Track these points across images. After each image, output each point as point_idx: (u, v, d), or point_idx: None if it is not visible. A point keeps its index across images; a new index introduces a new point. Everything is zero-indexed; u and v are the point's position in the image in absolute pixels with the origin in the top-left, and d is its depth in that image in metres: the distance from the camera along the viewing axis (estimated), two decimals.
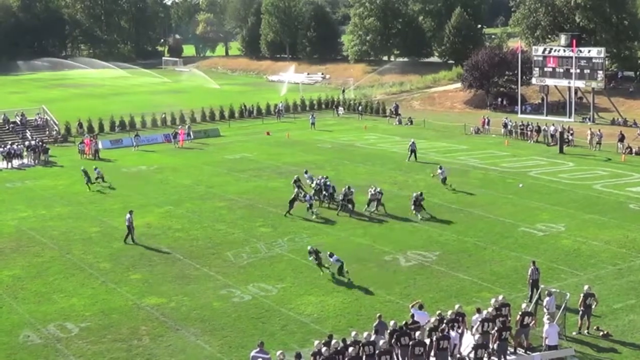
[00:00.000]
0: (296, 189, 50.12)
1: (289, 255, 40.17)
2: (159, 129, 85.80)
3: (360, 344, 25.17)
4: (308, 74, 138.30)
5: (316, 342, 25.42)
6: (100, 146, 74.25)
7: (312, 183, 51.69)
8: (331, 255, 36.41)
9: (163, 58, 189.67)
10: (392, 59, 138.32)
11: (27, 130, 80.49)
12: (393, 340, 25.89)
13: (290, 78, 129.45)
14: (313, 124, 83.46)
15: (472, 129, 78.30)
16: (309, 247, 37.67)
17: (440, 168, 54.43)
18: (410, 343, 25.55)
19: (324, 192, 50.11)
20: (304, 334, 30.22)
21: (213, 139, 79.34)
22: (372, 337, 25.87)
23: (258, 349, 25.64)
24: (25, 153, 70.90)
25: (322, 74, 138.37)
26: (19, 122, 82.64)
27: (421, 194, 46.70)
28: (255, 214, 48.30)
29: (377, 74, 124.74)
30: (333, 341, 25.36)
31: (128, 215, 43.63)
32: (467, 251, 39.87)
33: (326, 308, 32.91)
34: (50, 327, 31.88)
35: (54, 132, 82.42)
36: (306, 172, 54.87)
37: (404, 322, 26.89)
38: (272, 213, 48.35)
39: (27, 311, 33.74)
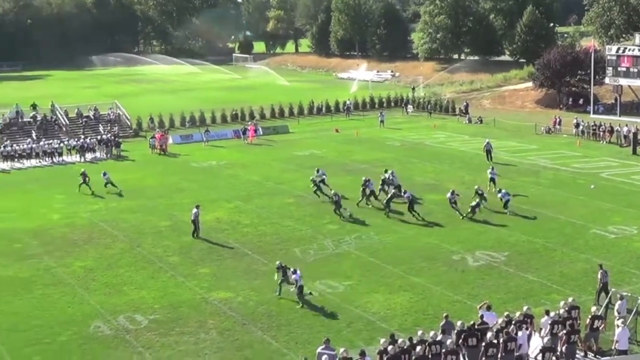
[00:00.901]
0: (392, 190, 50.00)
1: (356, 252, 40.16)
2: (229, 125, 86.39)
3: (427, 343, 25.05)
4: (377, 71, 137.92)
5: (382, 341, 25.36)
6: (170, 141, 75.12)
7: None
8: (294, 272, 34.18)
9: (233, 55, 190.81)
10: (463, 57, 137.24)
11: (99, 125, 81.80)
12: (460, 341, 25.71)
13: (360, 75, 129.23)
14: (382, 121, 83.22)
15: (543, 129, 77.25)
16: (277, 263, 35.30)
17: (492, 169, 53.66)
18: (482, 344, 25.32)
19: (388, 187, 50.36)
20: (370, 332, 30.18)
21: (282, 136, 79.65)
22: (439, 337, 25.72)
23: (324, 346, 25.70)
24: (97, 147, 72.09)
25: (392, 71, 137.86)
26: (92, 117, 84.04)
27: (452, 192, 46.72)
28: (323, 210, 48.34)
29: (447, 73, 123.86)
30: (399, 340, 25.28)
31: (195, 210, 44.09)
32: (536, 252, 39.39)
33: (393, 306, 32.82)
34: (120, 319, 32.39)
35: (128, 128, 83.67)
36: (386, 171, 54.58)
37: (472, 323, 26.68)
38: (363, 209, 48.35)
39: (98, 302, 34.32)
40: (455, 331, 26.17)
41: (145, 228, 45.90)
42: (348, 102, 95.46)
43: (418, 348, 24.80)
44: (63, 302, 34.45)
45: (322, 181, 51.94)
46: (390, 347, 24.56)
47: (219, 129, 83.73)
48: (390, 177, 51.30)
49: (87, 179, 56.08)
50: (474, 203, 45.48)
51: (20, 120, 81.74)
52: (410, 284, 35.45)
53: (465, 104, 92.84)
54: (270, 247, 41.32)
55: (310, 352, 27.15)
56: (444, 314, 27.93)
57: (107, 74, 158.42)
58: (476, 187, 48.43)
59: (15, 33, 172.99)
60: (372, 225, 44.78)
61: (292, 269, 34.43)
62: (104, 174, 56.04)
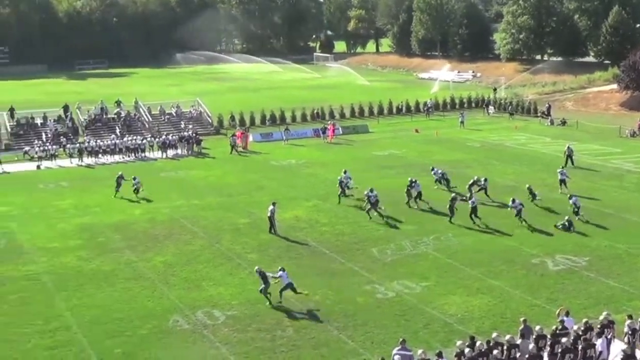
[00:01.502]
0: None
1: (434, 253, 39.96)
2: (309, 124, 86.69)
3: (505, 347, 24.81)
4: (458, 72, 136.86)
5: (459, 343, 25.21)
6: (251, 139, 75.77)
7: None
8: (282, 270, 34.30)
9: (314, 54, 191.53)
10: (545, 58, 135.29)
11: (181, 122, 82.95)
12: (541, 346, 25.37)
13: (442, 76, 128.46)
14: (462, 122, 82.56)
15: (628, 132, 75.67)
16: (256, 268, 34.96)
17: (563, 170, 52.97)
18: (559, 350, 24.97)
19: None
20: (447, 333, 30.03)
21: (361, 135, 79.61)
22: (518, 341, 25.44)
23: (400, 347, 25.66)
24: (179, 144, 73.11)
25: (473, 72, 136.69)
26: (174, 114, 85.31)
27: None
28: (401, 211, 48.19)
29: (530, 74, 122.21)
30: (478, 342, 25.09)
31: (271, 207, 44.53)
32: (618, 258, 38.64)
33: (470, 309, 32.58)
34: (198, 314, 32.82)
35: (209, 126, 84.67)
36: (432, 169, 55.08)
37: (553, 328, 26.31)
38: (418, 211, 48.17)
39: (177, 297, 34.83)
40: (534, 336, 25.85)
41: (225, 225, 46.39)
42: (429, 102, 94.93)
43: (495, 351, 24.59)
44: (143, 296, 35.06)
45: (347, 185, 51.79)
46: (467, 350, 24.42)
47: (299, 127, 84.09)
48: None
49: (122, 181, 54.80)
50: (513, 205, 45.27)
51: (104, 116, 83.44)
52: (488, 286, 35.14)
53: (547, 105, 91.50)
54: (347, 247, 41.39)
55: (386, 353, 27.11)
56: (522, 318, 27.61)
57: (190, 71, 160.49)
58: (528, 185, 49.22)
59: (102, 31, 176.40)
60: (450, 226, 44.45)
61: (279, 268, 34.55)
62: (134, 178, 54.55)
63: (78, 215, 49.89)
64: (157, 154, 71.92)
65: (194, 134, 75.00)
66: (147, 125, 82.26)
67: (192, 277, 37.43)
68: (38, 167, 67.91)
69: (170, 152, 71.87)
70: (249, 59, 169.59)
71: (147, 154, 72.05)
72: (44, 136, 76.86)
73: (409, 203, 49.52)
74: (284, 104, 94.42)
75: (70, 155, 71.20)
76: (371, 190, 47.75)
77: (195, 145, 72.67)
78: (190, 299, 34.56)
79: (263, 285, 33.84)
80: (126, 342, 30.31)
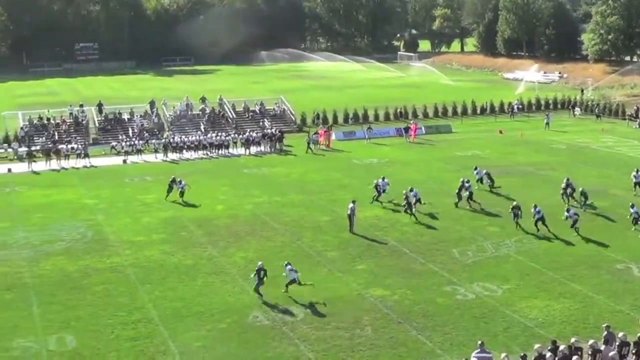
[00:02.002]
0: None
1: (515, 256, 39.49)
2: (391, 123, 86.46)
3: (590, 352, 24.40)
4: (545, 72, 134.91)
5: (537, 346, 24.91)
6: (333, 137, 75.95)
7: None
8: (287, 264, 35.38)
9: (398, 53, 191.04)
10: (635, 59, 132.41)
11: (265, 119, 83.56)
12: (624, 353, 24.88)
13: (527, 76, 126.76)
14: (547, 123, 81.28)
15: None
16: (259, 263, 35.65)
17: (638, 172, 51.78)
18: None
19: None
20: (527, 337, 29.65)
21: (444, 135, 79.08)
22: (601, 347, 24.99)
23: (479, 349, 25.45)
24: (262, 141, 73.67)
25: (560, 73, 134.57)
26: (257, 111, 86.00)
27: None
28: (482, 212, 47.78)
29: (618, 75, 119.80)
30: (561, 347, 24.70)
31: (351, 205, 44.64)
32: None
33: (552, 313, 32.11)
34: (278, 310, 33.03)
35: (292, 123, 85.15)
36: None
37: (638, 336, 25.77)
38: (500, 213, 47.63)
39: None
40: (617, 342, 25.36)
41: (306, 222, 46.62)
42: (516, 103, 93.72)
43: (575, 358, 24.18)
44: (224, 291, 35.45)
45: (384, 190, 51.21)
46: (549, 355, 24.09)
47: (382, 126, 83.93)
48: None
49: (174, 185, 53.48)
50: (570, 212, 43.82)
51: (189, 112, 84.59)
52: (570, 291, 34.58)
53: (636, 108, 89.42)
54: (428, 247, 41.19)
55: (465, 355, 26.94)
56: (605, 325, 27.11)
57: (274, 69, 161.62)
58: (581, 188, 48.46)
59: (188, 28, 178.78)
60: (534, 229, 43.79)
61: (285, 262, 35.57)
62: (180, 182, 53.42)
63: (162, 209, 50.71)
64: (241, 150, 72.61)
65: (277, 131, 75.49)
66: (231, 122, 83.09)
67: (273, 273, 37.64)
68: (124, 161, 69.24)
69: (254, 149, 72.48)
70: (332, 57, 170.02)
71: (230, 150, 72.78)
72: (130, 131, 78.32)
73: (457, 204, 49.36)
74: (367, 102, 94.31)
75: (155, 151, 72.42)
76: (410, 190, 47.98)
77: (277, 142, 73.15)
78: (270, 295, 34.79)
79: (257, 281, 34.84)
80: (206, 336, 30.70)
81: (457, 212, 48.15)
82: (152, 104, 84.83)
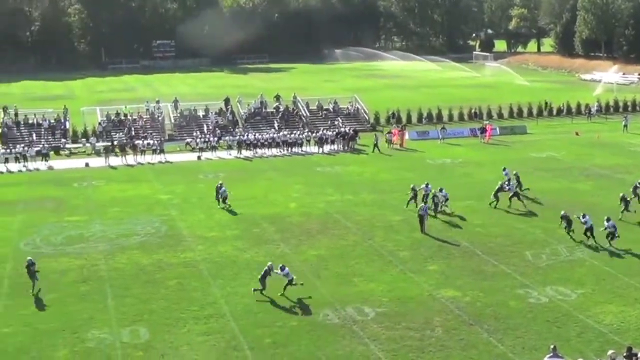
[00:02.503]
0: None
1: (591, 261, 38.83)
2: (466, 123, 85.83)
3: None
4: (623, 73, 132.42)
5: (610, 352, 24.53)
6: (406, 137, 75.68)
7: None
8: (282, 268, 34.77)
9: (474, 52, 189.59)
10: None
11: (338, 118, 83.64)
12: None
13: (605, 77, 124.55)
14: (626, 125, 79.70)
15: None
16: (268, 263, 35.58)
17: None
18: None
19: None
20: (601, 343, 29.11)
21: (519, 136, 78.10)
22: None
23: (552, 354, 25.14)
24: (335, 139, 73.73)
25: (639, 74, 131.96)
26: (331, 110, 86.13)
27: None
28: (558, 215, 47.01)
29: None
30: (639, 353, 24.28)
31: (422, 205, 44.39)
32: None
33: (627, 319, 31.50)
34: (349, 309, 33.05)
35: (365, 122, 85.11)
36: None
37: None
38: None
39: (328, 291, 35.18)
40: None
41: (378, 222, 46.53)
42: (595, 105, 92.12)
43: None
44: (295, 289, 35.54)
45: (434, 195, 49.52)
46: None
47: (456, 126, 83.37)
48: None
49: (221, 191, 51.18)
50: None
51: (263, 110, 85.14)
52: None
53: None
54: (500, 249, 40.76)
55: (537, 359, 26.61)
56: None
57: (348, 68, 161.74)
58: (622, 194, 46.64)
59: (263, 27, 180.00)
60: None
61: (280, 265, 35.07)
62: (221, 187, 51.34)
63: (235, 206, 51.12)
64: (314, 148, 72.82)
65: (351, 130, 75.48)
66: (304, 120, 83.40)
67: (344, 272, 37.73)
68: (199, 157, 70.02)
69: (327, 148, 72.63)
70: (407, 57, 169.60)
71: (303, 148, 73.04)
72: (205, 128, 79.15)
73: (492, 204, 49.21)
74: (441, 102, 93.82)
75: (229, 148, 73.08)
76: (440, 190, 47.80)
77: (350, 141, 73.14)
78: (341, 293, 34.85)
79: (261, 286, 34.77)
80: (276, 333, 30.87)
81: (530, 214, 47.51)
82: (226, 101, 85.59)
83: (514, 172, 53.24)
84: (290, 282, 34.68)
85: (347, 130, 75.23)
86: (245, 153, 71.40)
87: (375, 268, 38.17)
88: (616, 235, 40.52)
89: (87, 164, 67.76)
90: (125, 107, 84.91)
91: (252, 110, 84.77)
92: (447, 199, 47.81)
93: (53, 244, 43.55)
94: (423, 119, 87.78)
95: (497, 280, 36.05)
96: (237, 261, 39.74)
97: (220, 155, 71.07)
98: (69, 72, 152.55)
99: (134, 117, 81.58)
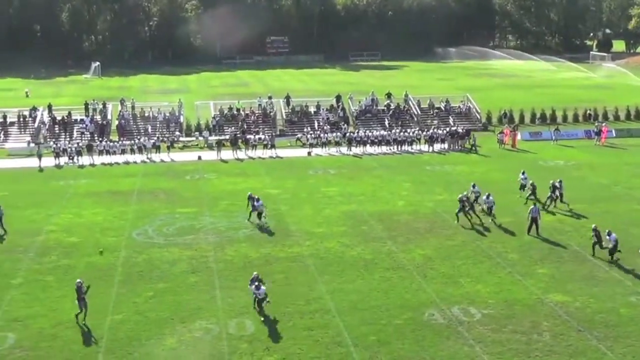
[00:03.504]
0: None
1: None
2: (580, 125, 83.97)
3: None
4: None
5: None
6: (519, 137, 74.50)
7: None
8: (255, 283, 32.67)
9: (591, 52, 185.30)
10: None
11: (450, 117, 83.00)
12: None
13: None
14: None
15: None
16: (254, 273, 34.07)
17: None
18: None
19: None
20: None
21: (636, 139, 75.88)
22: None
23: None
24: (447, 139, 73.11)
25: None
26: (442, 108, 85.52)
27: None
28: None
29: None
30: None
31: (532, 207, 43.98)
32: None
33: None
34: (454, 309, 32.77)
35: (477, 122, 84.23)
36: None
37: None
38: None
39: (434, 291, 34.94)
40: None
41: (487, 223, 45.92)
42: None
43: None
44: (401, 287, 35.48)
45: (476, 199, 48.24)
46: None
47: (570, 128, 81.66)
48: None
49: (257, 205, 46.35)
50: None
51: (374, 107, 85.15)
52: None
53: None
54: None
55: None
56: None
57: (461, 67, 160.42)
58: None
59: (377, 24, 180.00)
60: None
61: (256, 284, 32.82)
62: (257, 200, 46.42)
63: (343, 202, 51.29)
64: (424, 147, 72.43)
65: (463, 130, 74.77)
66: (415, 119, 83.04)
67: (451, 272, 37.41)
68: (309, 153, 70.49)
69: (437, 146, 72.13)
70: (521, 56, 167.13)
71: (414, 147, 72.72)
72: (316, 124, 79.64)
73: (545, 205, 48.40)
74: (556, 103, 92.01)
75: (339, 144, 73.34)
76: (487, 196, 46.83)
77: (461, 140, 72.41)
78: (447, 294, 34.57)
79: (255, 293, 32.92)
80: (381, 331, 30.83)
81: None
82: (338, 97, 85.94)
83: (531, 182, 51.09)
84: (260, 301, 32.71)
85: (459, 130, 74.52)
86: (355, 150, 71.52)
87: (483, 269, 37.72)
88: None
89: (199, 157, 69.06)
90: (238, 102, 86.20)
91: (363, 108, 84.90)
92: (490, 207, 46.79)
93: (164, 234, 44.56)
94: (536, 120, 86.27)
95: (608, 287, 35.16)
96: (344, 258, 39.85)
97: (330, 152, 71.38)
98: (185, 67, 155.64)
99: (246, 112, 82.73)
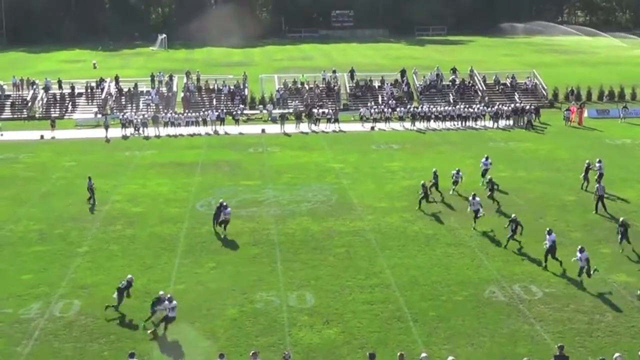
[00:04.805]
0: None
1: None
2: None
3: None
4: None
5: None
6: (585, 114, 73.40)
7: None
8: (170, 300, 28.82)
9: None
10: None
11: (515, 93, 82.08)
12: None
13: None
14: None
15: None
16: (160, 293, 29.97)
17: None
18: None
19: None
20: None
21: None
22: None
23: None
24: (512, 115, 72.35)
25: None
26: (508, 84, 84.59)
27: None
28: None
29: None
30: None
31: (597, 185, 43.53)
32: None
33: None
34: (516, 287, 32.57)
35: (543, 99, 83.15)
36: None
37: None
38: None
39: (496, 268, 34.75)
40: None
41: (550, 200, 45.51)
42: None
43: None
44: (462, 264, 35.36)
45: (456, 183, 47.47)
46: None
47: (638, 106, 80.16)
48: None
49: (225, 212, 39.67)
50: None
51: (439, 83, 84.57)
52: None
53: None
54: None
55: None
56: None
57: (528, 42, 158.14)
58: None
59: None
60: None
61: (168, 296, 29.22)
62: (226, 208, 40.00)
63: (406, 177, 51.21)
64: (489, 123, 71.78)
65: (530, 106, 73.87)
66: (480, 94, 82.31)
67: (513, 249, 37.13)
68: (372, 128, 70.38)
69: (502, 123, 71.44)
70: (590, 32, 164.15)
71: (478, 122, 72.12)
72: (380, 99, 79.41)
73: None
74: (625, 80, 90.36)
75: (402, 119, 73.07)
76: (457, 171, 46.65)
77: (528, 116, 71.46)
78: (509, 271, 34.36)
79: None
80: (441, 307, 30.79)
81: None
82: (402, 72, 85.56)
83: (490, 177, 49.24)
84: (167, 321, 28.79)
85: (525, 106, 73.64)
86: (419, 125, 71.17)
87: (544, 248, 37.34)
88: None
89: (263, 130, 69.40)
90: (302, 75, 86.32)
91: (428, 83, 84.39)
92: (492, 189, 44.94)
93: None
94: (604, 97, 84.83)
95: None
96: (405, 233, 39.82)
97: (393, 127, 71.18)
98: (250, 40, 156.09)
99: (310, 85, 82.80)
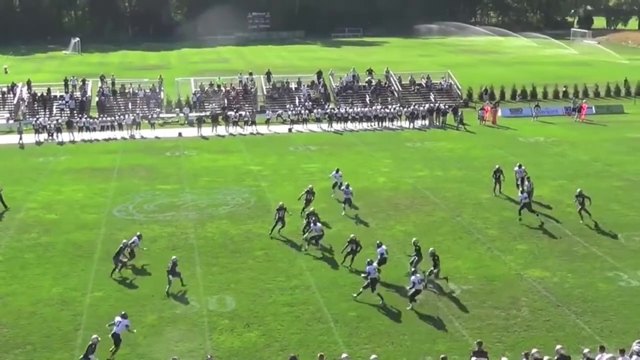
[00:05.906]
0: None
1: None
2: (560, 102, 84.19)
3: None
4: None
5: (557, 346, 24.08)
6: (499, 114, 74.66)
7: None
8: (124, 317, 27.71)
9: (572, 29, 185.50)
10: None
11: (430, 93, 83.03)
12: None
13: None
14: None
15: None
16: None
17: None
18: None
19: None
20: None
21: (615, 116, 76.29)
22: None
23: None
24: (427, 115, 73.18)
25: None
26: (424, 85, 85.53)
27: None
28: None
29: None
30: None
31: (527, 183, 44.23)
32: None
33: None
34: (434, 286, 32.85)
35: (458, 98, 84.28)
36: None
37: None
38: None
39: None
40: None
41: (467, 199, 46.12)
42: None
43: None
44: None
45: (339, 185, 46.64)
46: None
47: (550, 104, 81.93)
48: None
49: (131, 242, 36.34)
50: None
51: (355, 84, 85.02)
52: None
53: None
54: (591, 231, 39.89)
55: (624, 343, 26.03)
56: None
57: (442, 43, 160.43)
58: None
59: (359, 0, 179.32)
60: None
61: (122, 313, 28.05)
62: (347, 187, 43.62)
63: (324, 179, 51.23)
64: (405, 123, 72.47)
65: (446, 106, 74.79)
66: (396, 95, 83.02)
67: (430, 248, 37.45)
68: (290, 130, 70.41)
69: (418, 123, 72.19)
70: (502, 32, 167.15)
71: (394, 123, 72.74)
72: (297, 100, 79.49)
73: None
74: (536, 79, 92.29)
75: (319, 120, 73.28)
76: (347, 186, 44.04)
77: (442, 116, 72.38)
78: (426, 269, 34.67)
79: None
80: (361, 307, 30.90)
81: (626, 195, 46.44)
82: (319, 74, 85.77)
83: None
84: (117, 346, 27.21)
85: (439, 106, 74.55)
86: (336, 126, 71.46)
87: (462, 245, 37.89)
88: None
89: (180, 134, 68.85)
90: (219, 78, 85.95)
91: (344, 84, 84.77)
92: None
93: (145, 211, 44.49)
94: (516, 96, 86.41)
95: (586, 262, 35.39)
96: (324, 234, 39.82)
97: (311, 128, 71.32)
98: (166, 43, 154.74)
99: (227, 88, 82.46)
